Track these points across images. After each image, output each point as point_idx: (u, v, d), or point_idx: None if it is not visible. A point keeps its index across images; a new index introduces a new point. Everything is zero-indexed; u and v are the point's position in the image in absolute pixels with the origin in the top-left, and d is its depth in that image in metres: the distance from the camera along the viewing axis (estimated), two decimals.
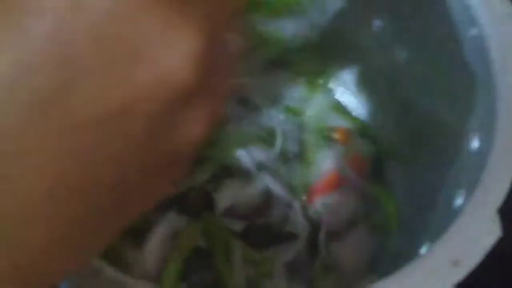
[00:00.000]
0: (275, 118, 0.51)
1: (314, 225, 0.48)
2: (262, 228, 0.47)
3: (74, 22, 0.18)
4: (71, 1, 0.18)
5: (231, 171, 0.48)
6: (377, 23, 0.51)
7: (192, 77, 0.20)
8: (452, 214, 0.36)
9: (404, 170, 0.52)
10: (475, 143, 0.39)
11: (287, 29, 0.52)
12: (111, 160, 0.20)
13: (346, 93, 0.55)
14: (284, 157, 0.50)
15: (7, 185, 0.18)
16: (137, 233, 0.44)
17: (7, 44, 0.18)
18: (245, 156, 0.48)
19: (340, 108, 0.54)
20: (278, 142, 0.50)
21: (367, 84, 0.54)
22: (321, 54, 0.53)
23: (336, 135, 0.51)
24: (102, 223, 0.21)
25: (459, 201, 0.37)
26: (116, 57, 0.19)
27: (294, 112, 0.52)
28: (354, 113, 0.54)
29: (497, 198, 0.34)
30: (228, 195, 0.47)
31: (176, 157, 0.22)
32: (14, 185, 0.18)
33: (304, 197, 0.49)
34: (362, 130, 0.53)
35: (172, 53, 0.19)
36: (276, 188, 0.48)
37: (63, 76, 0.18)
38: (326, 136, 0.52)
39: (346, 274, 0.47)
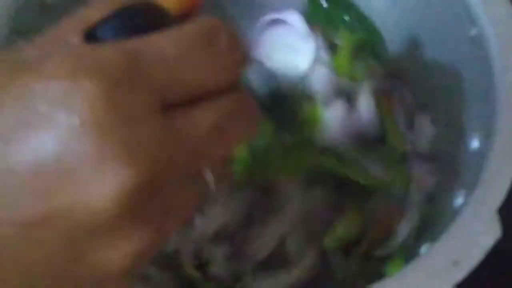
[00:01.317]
0: None
1: None
2: None
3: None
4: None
5: None
6: None
7: (116, 211, 0.19)
8: (452, 214, 0.36)
9: None
10: (475, 143, 0.39)
11: None
12: (27, 267, 0.20)
13: None
14: None
15: None
16: None
17: None
18: None
19: None
20: None
21: None
22: None
23: None
24: None
25: (459, 201, 0.37)
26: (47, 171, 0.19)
27: None
28: None
29: (497, 198, 0.34)
30: None
31: (98, 277, 0.21)
32: None
33: None
34: None
35: (101, 182, 0.19)
36: None
37: None
38: None
39: None
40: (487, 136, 0.37)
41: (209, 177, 0.22)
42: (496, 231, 0.33)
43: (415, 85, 0.49)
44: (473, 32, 0.41)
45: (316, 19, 0.52)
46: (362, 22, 0.51)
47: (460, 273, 0.32)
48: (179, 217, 0.22)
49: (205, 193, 0.23)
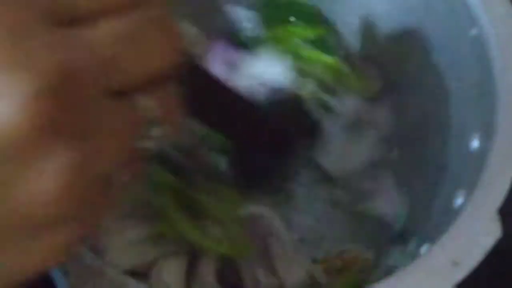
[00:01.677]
0: None
1: None
2: None
3: None
4: None
5: None
6: None
7: (26, 124, 0.17)
8: (452, 214, 0.36)
9: (403, 170, 0.52)
10: (475, 143, 0.39)
11: None
12: None
13: None
14: None
15: None
16: None
17: None
18: None
19: None
20: None
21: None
22: None
23: None
24: None
25: (459, 201, 0.37)
26: None
27: None
28: None
29: (497, 198, 0.34)
30: None
31: (35, 219, 0.19)
32: None
33: None
34: None
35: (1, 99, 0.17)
36: None
37: None
38: None
39: None
40: (487, 136, 0.37)
41: (146, 102, 0.21)
42: (496, 231, 0.33)
43: (413, 86, 0.49)
44: (473, 32, 0.41)
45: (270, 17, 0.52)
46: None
47: (460, 273, 0.32)
48: (114, 141, 0.20)
49: (145, 118, 0.21)
